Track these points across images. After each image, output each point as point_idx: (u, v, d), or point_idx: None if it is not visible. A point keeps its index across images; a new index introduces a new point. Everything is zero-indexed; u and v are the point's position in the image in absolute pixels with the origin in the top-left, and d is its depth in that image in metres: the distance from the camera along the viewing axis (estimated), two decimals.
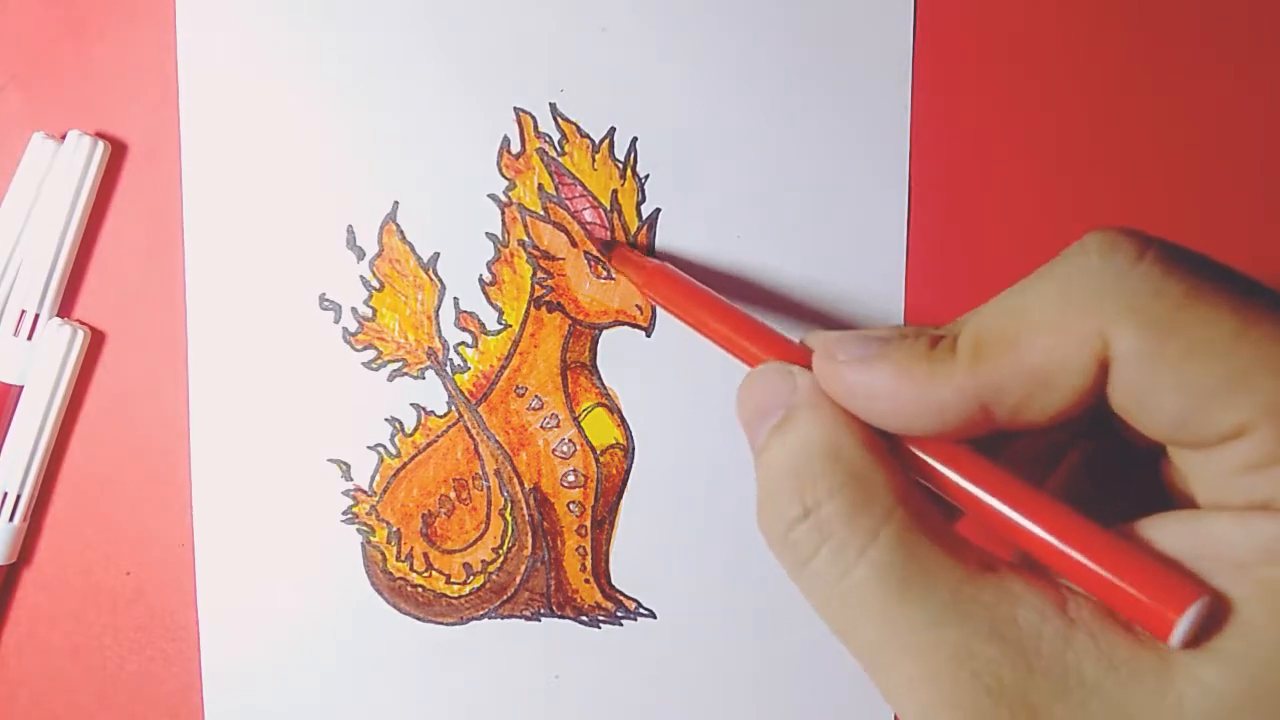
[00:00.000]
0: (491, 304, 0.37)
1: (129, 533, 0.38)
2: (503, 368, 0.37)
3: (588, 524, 0.38)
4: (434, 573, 0.38)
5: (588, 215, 0.37)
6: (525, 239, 0.37)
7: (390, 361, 0.37)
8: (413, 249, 0.37)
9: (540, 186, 0.37)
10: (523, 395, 0.37)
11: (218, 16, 0.36)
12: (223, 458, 0.37)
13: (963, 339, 0.21)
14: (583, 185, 0.37)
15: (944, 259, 0.37)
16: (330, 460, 0.37)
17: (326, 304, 0.37)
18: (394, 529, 0.38)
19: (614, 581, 0.38)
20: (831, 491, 0.22)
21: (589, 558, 0.38)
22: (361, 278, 0.37)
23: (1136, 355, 0.19)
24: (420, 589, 0.38)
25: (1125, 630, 0.20)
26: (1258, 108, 0.37)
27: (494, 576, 0.38)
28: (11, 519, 0.36)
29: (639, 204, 0.37)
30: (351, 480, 0.37)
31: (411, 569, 0.38)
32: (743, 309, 0.30)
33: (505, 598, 0.38)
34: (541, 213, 0.37)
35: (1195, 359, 0.19)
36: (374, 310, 0.37)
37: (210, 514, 0.37)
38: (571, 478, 0.38)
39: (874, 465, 0.22)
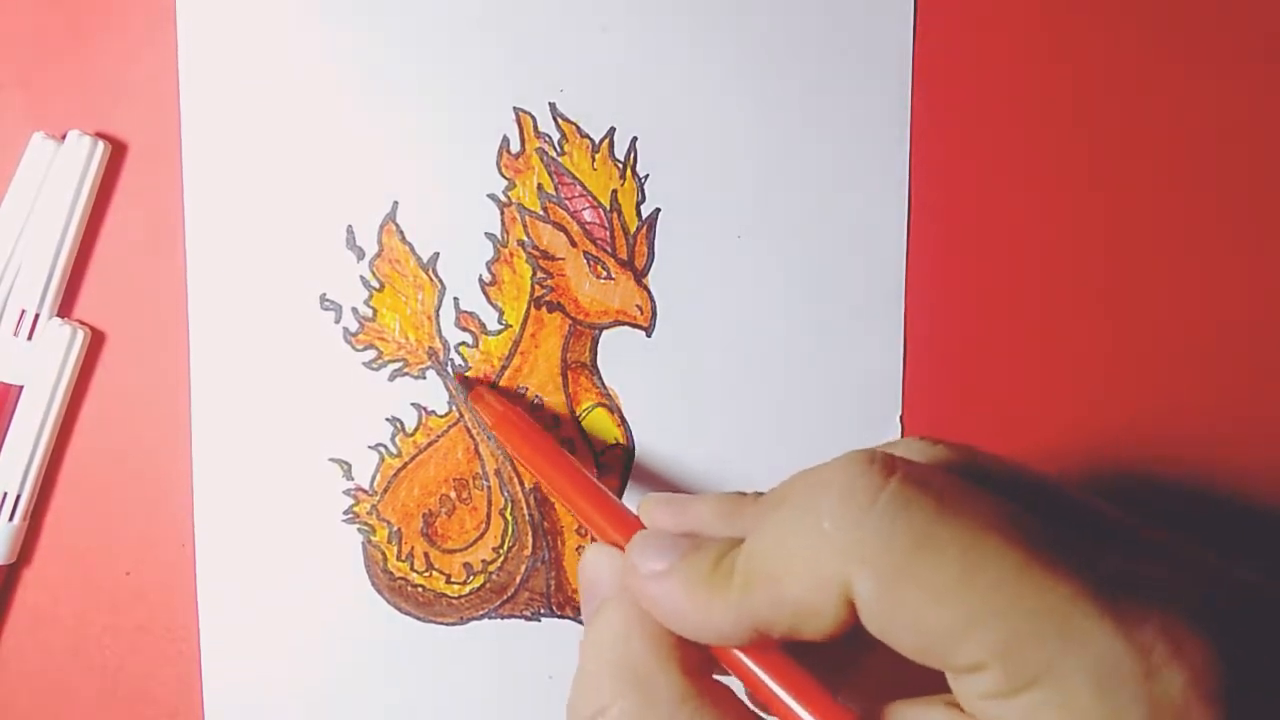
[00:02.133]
0: (492, 304, 0.37)
1: (129, 533, 0.38)
2: (503, 368, 0.37)
3: None
4: (434, 572, 0.38)
5: (587, 215, 0.37)
6: (525, 239, 0.37)
7: (391, 361, 0.37)
8: (412, 249, 0.37)
9: (540, 186, 0.37)
10: (523, 395, 0.37)
11: (218, 16, 0.36)
12: (224, 458, 0.37)
13: (737, 567, 0.23)
14: (582, 185, 0.37)
15: (944, 259, 0.37)
16: (331, 460, 0.37)
17: (327, 304, 0.37)
18: (395, 528, 0.38)
19: None
20: (616, 694, 0.24)
21: None
22: (361, 278, 0.37)
23: (873, 600, 0.21)
24: (421, 589, 0.38)
25: None
26: (1261, 108, 0.37)
27: (494, 576, 0.38)
28: (11, 519, 0.36)
29: (639, 204, 0.37)
30: (352, 480, 0.37)
31: (412, 568, 0.38)
32: (587, 472, 0.32)
33: (505, 597, 0.38)
34: (541, 213, 0.37)
35: (925, 605, 0.20)
36: (374, 310, 0.37)
37: (211, 514, 0.37)
38: None
39: (660, 669, 0.24)
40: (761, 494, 0.25)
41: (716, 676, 0.25)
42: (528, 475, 0.38)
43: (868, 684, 0.25)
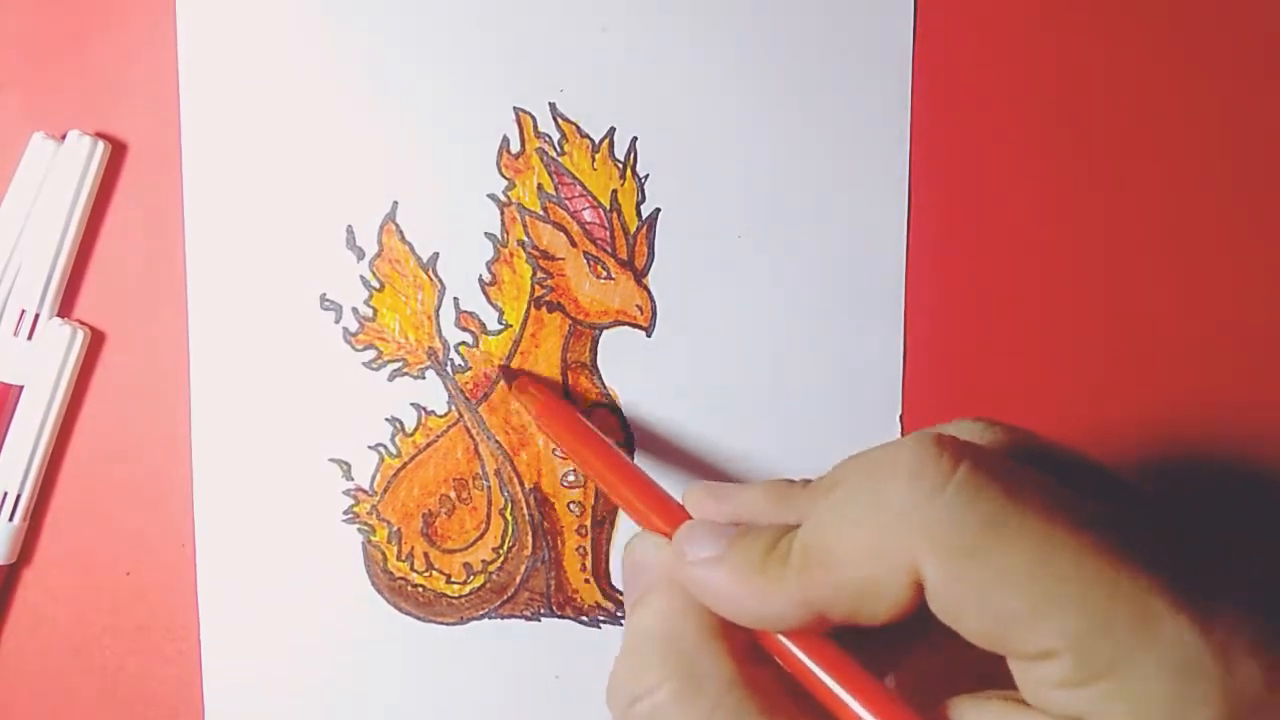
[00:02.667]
0: (492, 304, 0.37)
1: (129, 533, 0.38)
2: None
3: (588, 524, 0.38)
4: (434, 572, 0.38)
5: (587, 215, 0.37)
6: (525, 239, 0.37)
7: (391, 361, 0.37)
8: (412, 249, 0.37)
9: (540, 186, 0.37)
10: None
11: (218, 16, 0.36)
12: (224, 457, 0.37)
13: (794, 550, 0.23)
14: (582, 185, 0.37)
15: (944, 259, 0.37)
16: (331, 460, 0.37)
17: (327, 304, 0.37)
18: (395, 528, 0.38)
19: (614, 581, 0.38)
20: (664, 678, 0.23)
21: (589, 558, 0.38)
22: (361, 278, 0.37)
23: (942, 583, 0.21)
24: (421, 589, 0.38)
25: None
26: (1261, 107, 0.37)
27: (494, 576, 0.38)
28: (11, 519, 0.36)
29: (639, 204, 0.37)
30: (352, 480, 0.37)
31: (412, 568, 0.38)
32: (630, 460, 0.32)
33: (505, 597, 0.38)
34: (541, 212, 0.37)
35: (997, 589, 0.20)
36: (374, 310, 0.37)
37: (211, 514, 0.37)
38: (571, 477, 0.38)
39: (709, 653, 0.24)
40: (809, 480, 0.25)
41: None
42: (528, 475, 0.38)
43: (911, 682, 0.25)
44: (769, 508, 0.25)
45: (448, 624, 0.38)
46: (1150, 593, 0.20)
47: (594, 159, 0.37)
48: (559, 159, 0.37)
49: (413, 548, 0.38)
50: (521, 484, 0.38)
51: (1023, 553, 0.20)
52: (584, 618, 0.38)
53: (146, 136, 0.37)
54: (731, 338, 0.37)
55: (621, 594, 0.38)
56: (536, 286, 0.37)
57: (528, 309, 0.37)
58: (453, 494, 0.38)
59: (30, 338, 0.36)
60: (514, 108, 0.37)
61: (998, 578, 0.20)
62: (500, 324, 0.37)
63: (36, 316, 0.36)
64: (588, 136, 0.37)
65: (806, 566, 0.22)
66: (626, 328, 0.37)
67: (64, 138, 0.36)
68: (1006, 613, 0.20)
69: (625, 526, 0.38)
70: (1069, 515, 0.20)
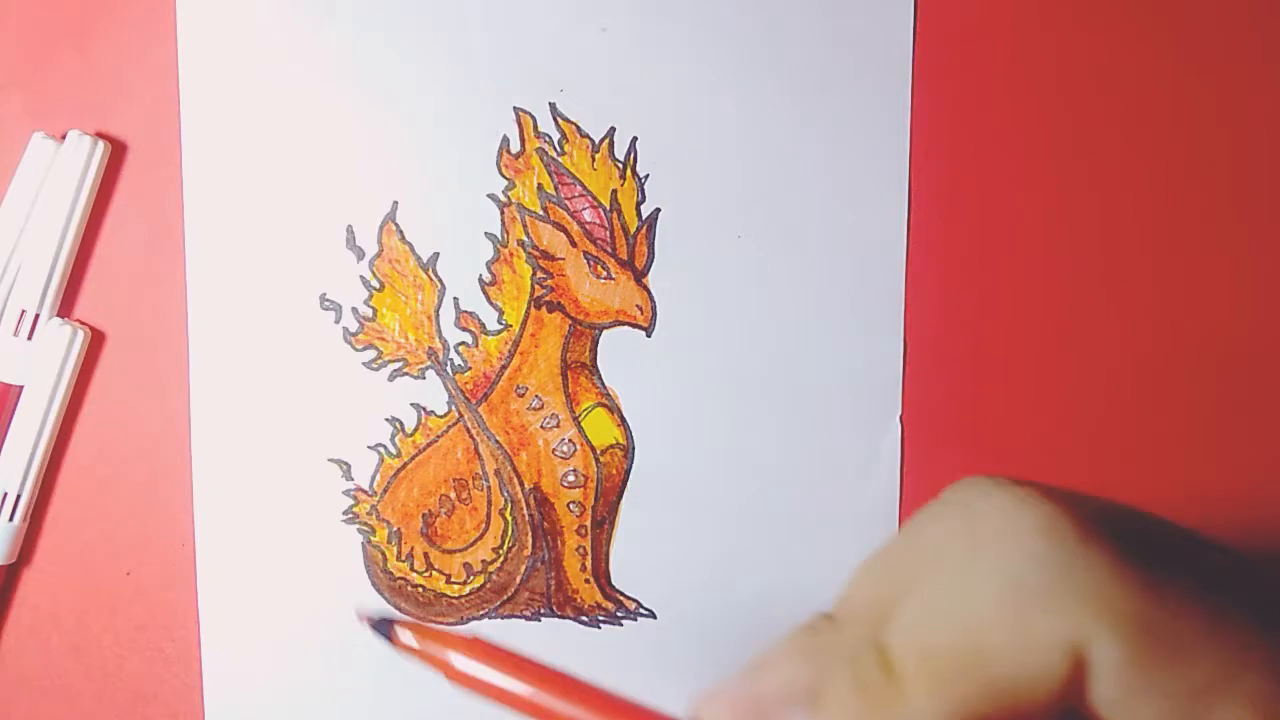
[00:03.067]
0: (491, 304, 0.37)
1: (129, 533, 0.38)
2: (503, 368, 0.37)
3: (588, 524, 0.38)
4: (434, 572, 0.38)
5: (587, 215, 0.37)
6: (525, 239, 0.37)
7: (391, 361, 0.37)
8: (412, 249, 0.37)
9: (540, 186, 0.37)
10: (523, 395, 0.37)
11: (218, 16, 0.36)
12: (224, 457, 0.37)
13: (909, 665, 0.18)
14: (582, 185, 0.37)
15: (944, 259, 0.37)
16: (331, 460, 0.37)
17: (327, 304, 0.37)
18: (394, 529, 0.38)
19: (614, 581, 0.38)
20: None
21: (589, 558, 0.38)
22: (361, 278, 0.37)
23: (1118, 662, 0.18)
24: (421, 589, 0.38)
25: None
26: (1261, 108, 0.37)
27: (494, 576, 0.38)
28: (11, 519, 0.36)
29: (639, 204, 0.37)
30: (352, 480, 0.37)
31: (412, 569, 0.38)
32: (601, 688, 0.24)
33: (505, 598, 0.38)
34: (541, 212, 0.37)
35: (1178, 663, 0.18)
36: (374, 310, 0.37)
37: (211, 514, 0.37)
38: (571, 478, 0.38)
39: None
40: (828, 614, 0.21)
41: None
42: (528, 475, 0.38)
43: None
44: (800, 669, 0.20)
45: (448, 624, 0.38)
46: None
47: (594, 159, 0.37)
48: (559, 159, 0.37)
49: (413, 548, 0.38)
50: (521, 484, 0.38)
51: (1194, 620, 0.18)
52: (584, 618, 0.38)
53: (146, 136, 0.37)
54: (731, 338, 0.37)
55: (621, 593, 0.38)
56: (536, 286, 0.37)
57: (528, 309, 0.37)
58: (453, 494, 0.38)
59: (30, 338, 0.36)
60: (514, 108, 0.37)
61: (1177, 653, 0.18)
62: (500, 324, 0.37)
63: (36, 316, 0.36)
64: (588, 136, 0.37)
65: (939, 678, 0.18)
66: (626, 328, 0.37)
67: (64, 138, 0.36)
68: (1187, 690, 0.18)
69: (625, 526, 0.38)
70: (1201, 574, 0.18)
